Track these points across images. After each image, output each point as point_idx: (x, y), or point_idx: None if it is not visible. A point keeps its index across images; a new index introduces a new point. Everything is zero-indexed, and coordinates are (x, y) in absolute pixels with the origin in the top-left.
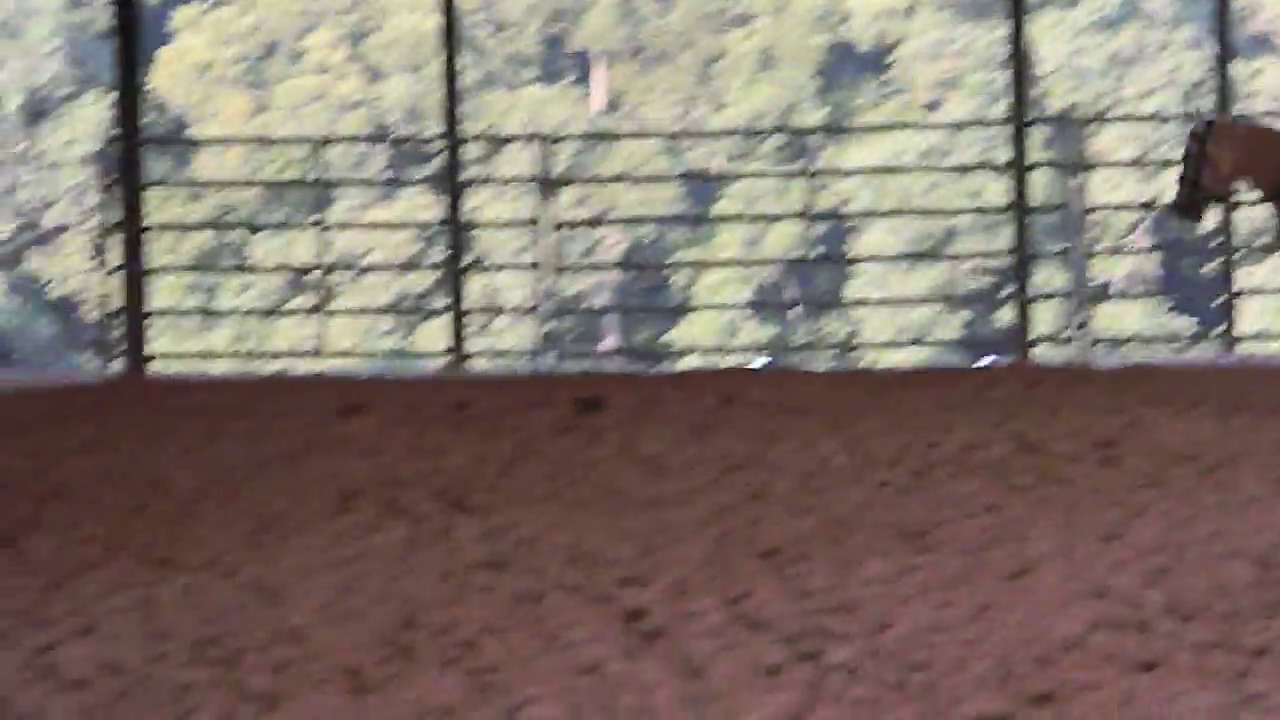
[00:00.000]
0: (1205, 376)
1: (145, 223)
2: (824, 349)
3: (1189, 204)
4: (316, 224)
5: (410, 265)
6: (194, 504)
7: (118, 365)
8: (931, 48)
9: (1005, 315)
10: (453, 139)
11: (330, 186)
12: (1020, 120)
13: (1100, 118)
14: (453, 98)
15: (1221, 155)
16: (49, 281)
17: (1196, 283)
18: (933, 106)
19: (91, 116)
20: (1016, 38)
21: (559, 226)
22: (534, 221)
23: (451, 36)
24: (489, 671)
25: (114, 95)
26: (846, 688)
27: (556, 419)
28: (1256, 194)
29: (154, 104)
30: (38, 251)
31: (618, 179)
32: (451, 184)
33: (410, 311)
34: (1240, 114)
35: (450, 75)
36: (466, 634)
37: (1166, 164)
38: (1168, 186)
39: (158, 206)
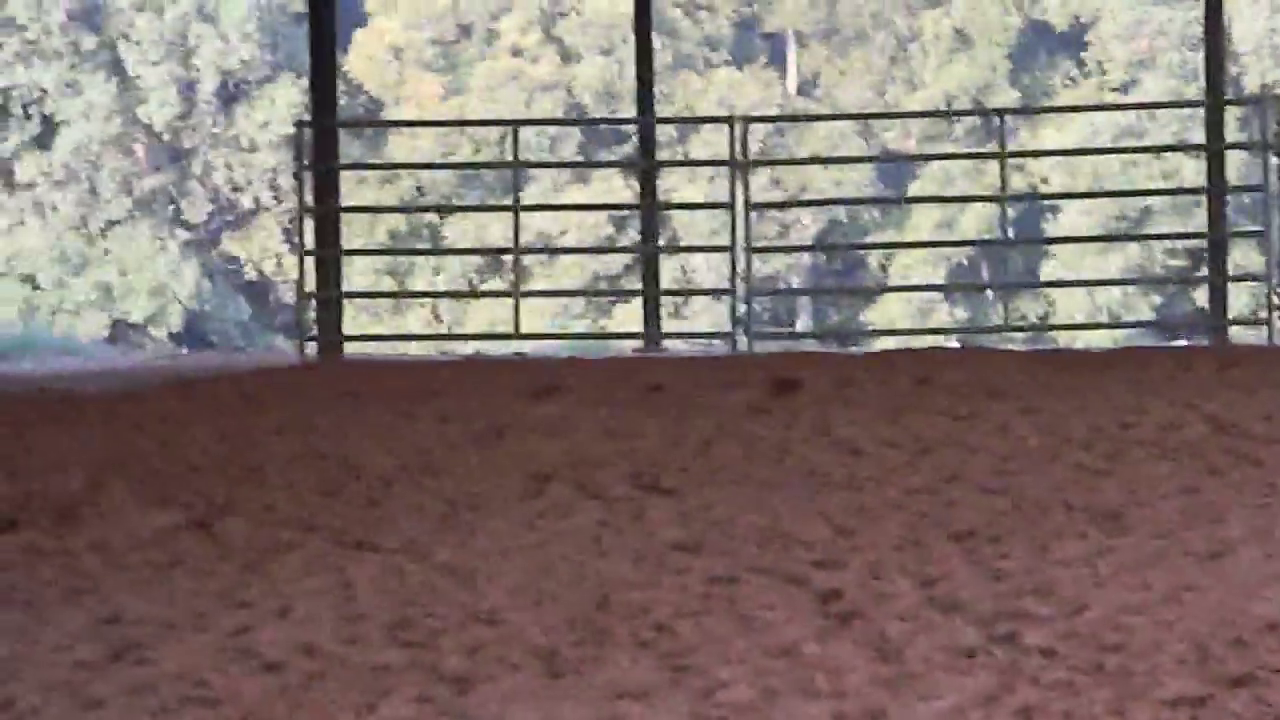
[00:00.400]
0: None
1: (340, 205)
2: (1018, 330)
3: None
4: (510, 206)
5: (604, 247)
6: (388, 486)
7: (312, 347)
8: (1127, 27)
9: (1200, 296)
10: (647, 121)
11: (524, 168)
12: (1216, 100)
13: None
14: (646, 79)
15: None
16: (244, 264)
17: None
18: (1127, 87)
19: (286, 99)
20: (1213, 16)
21: (752, 208)
22: (728, 203)
23: (645, 18)
24: (683, 654)
25: (308, 78)
26: (1042, 670)
27: (751, 400)
28: None
29: (348, 86)
30: (232, 234)
31: (811, 160)
32: (645, 166)
33: (604, 293)
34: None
35: (644, 57)
36: (660, 616)
37: None
38: None
39: (352, 189)
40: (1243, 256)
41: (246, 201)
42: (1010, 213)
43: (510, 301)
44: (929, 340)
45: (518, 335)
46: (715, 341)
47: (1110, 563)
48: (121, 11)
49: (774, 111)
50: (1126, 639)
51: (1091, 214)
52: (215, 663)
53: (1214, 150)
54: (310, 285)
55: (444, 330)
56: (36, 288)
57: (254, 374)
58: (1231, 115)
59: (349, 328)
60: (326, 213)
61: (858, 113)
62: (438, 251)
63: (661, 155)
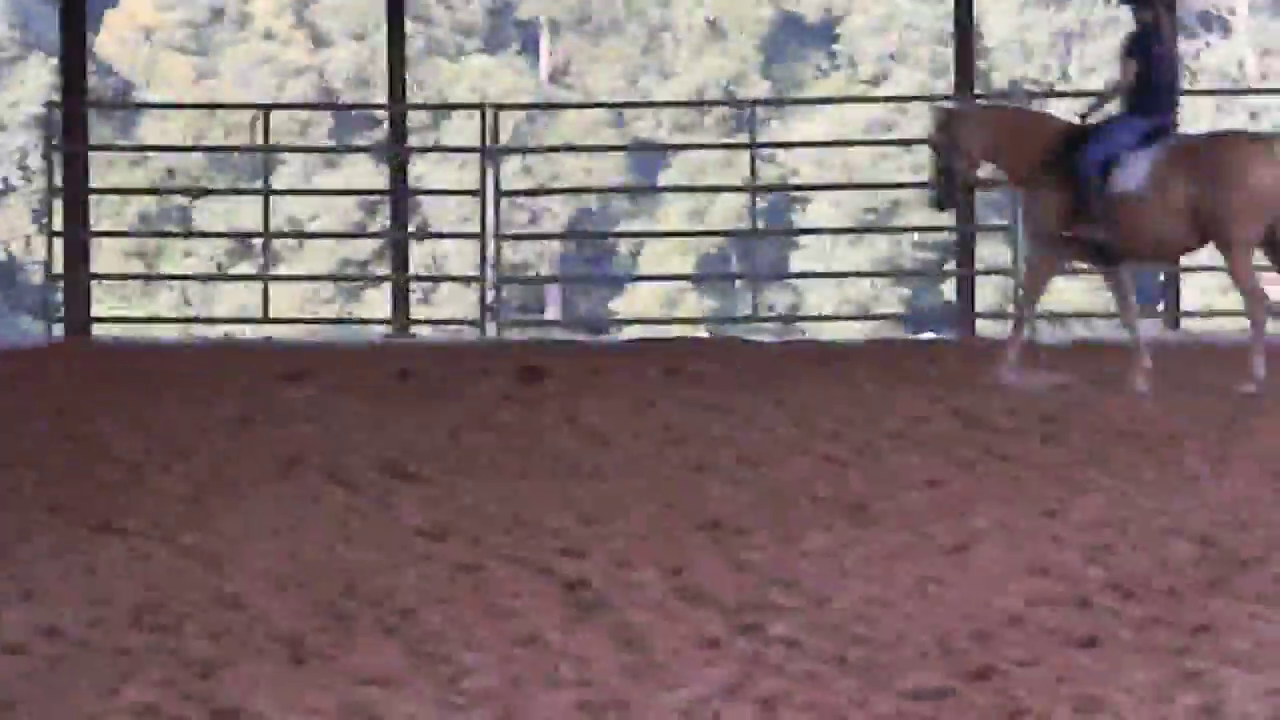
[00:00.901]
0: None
1: (89, 186)
2: (768, 322)
3: (946, 192)
4: (261, 190)
5: (354, 233)
6: (136, 469)
7: (60, 329)
8: (878, 21)
9: (949, 290)
10: (398, 107)
11: (275, 152)
12: (966, 95)
13: (1046, 93)
14: (399, 65)
15: (969, 140)
16: None
17: None
18: (878, 80)
19: (36, 79)
20: (963, 11)
21: (503, 195)
22: (479, 190)
23: (398, 4)
24: (429, 640)
25: (58, 58)
26: (787, 660)
27: (500, 388)
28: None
29: (99, 67)
30: None
31: (563, 148)
32: (396, 152)
33: (354, 279)
34: (979, 97)
35: (396, 43)
36: (406, 603)
37: None
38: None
39: (102, 171)
40: (990, 251)
41: None
42: (760, 204)
43: (260, 285)
44: (678, 330)
45: (267, 320)
46: (464, 328)
47: (856, 555)
48: None
49: (526, 99)
50: (871, 631)
51: (841, 206)
52: None
53: None
54: (58, 267)
55: (193, 314)
56: None
57: (1, 356)
58: None
59: (97, 310)
60: (75, 194)
61: (609, 101)
62: (188, 235)
63: (413, 141)
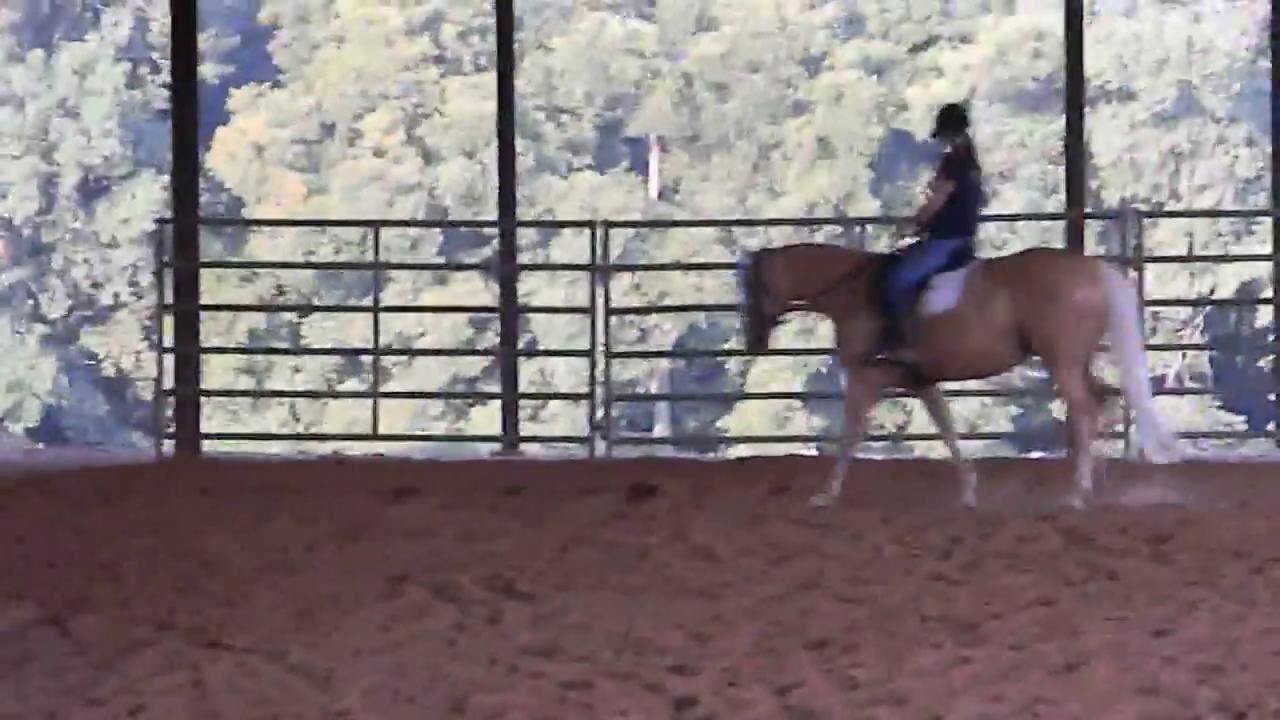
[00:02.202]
0: (1256, 473)
1: (200, 302)
2: (876, 440)
3: (758, 333)
4: (370, 307)
5: (463, 349)
6: (244, 585)
7: (170, 445)
8: (989, 140)
9: (1057, 409)
10: (508, 224)
11: (385, 269)
12: (1076, 213)
13: (1156, 212)
14: (508, 182)
15: (777, 281)
16: (102, 359)
17: (1246, 379)
18: (989, 198)
19: (147, 195)
20: (1074, 130)
21: (612, 312)
22: (588, 307)
23: (508, 121)
24: None
25: (170, 174)
26: None
27: (609, 505)
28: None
29: (210, 184)
30: (91, 329)
31: (672, 266)
32: (506, 268)
33: (463, 395)
34: (789, 242)
35: (506, 160)
36: (515, 719)
37: (1221, 258)
38: (1218, 282)
39: (212, 287)
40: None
41: (106, 297)
42: None
43: (369, 402)
44: (787, 448)
45: (376, 436)
46: (573, 446)
47: (965, 673)
48: None
49: (636, 216)
50: None
51: None
52: None
53: None
54: (168, 382)
55: (302, 430)
56: None
57: (111, 471)
58: (1091, 229)
59: (207, 426)
60: (186, 310)
61: (719, 219)
62: (297, 351)
63: (522, 258)
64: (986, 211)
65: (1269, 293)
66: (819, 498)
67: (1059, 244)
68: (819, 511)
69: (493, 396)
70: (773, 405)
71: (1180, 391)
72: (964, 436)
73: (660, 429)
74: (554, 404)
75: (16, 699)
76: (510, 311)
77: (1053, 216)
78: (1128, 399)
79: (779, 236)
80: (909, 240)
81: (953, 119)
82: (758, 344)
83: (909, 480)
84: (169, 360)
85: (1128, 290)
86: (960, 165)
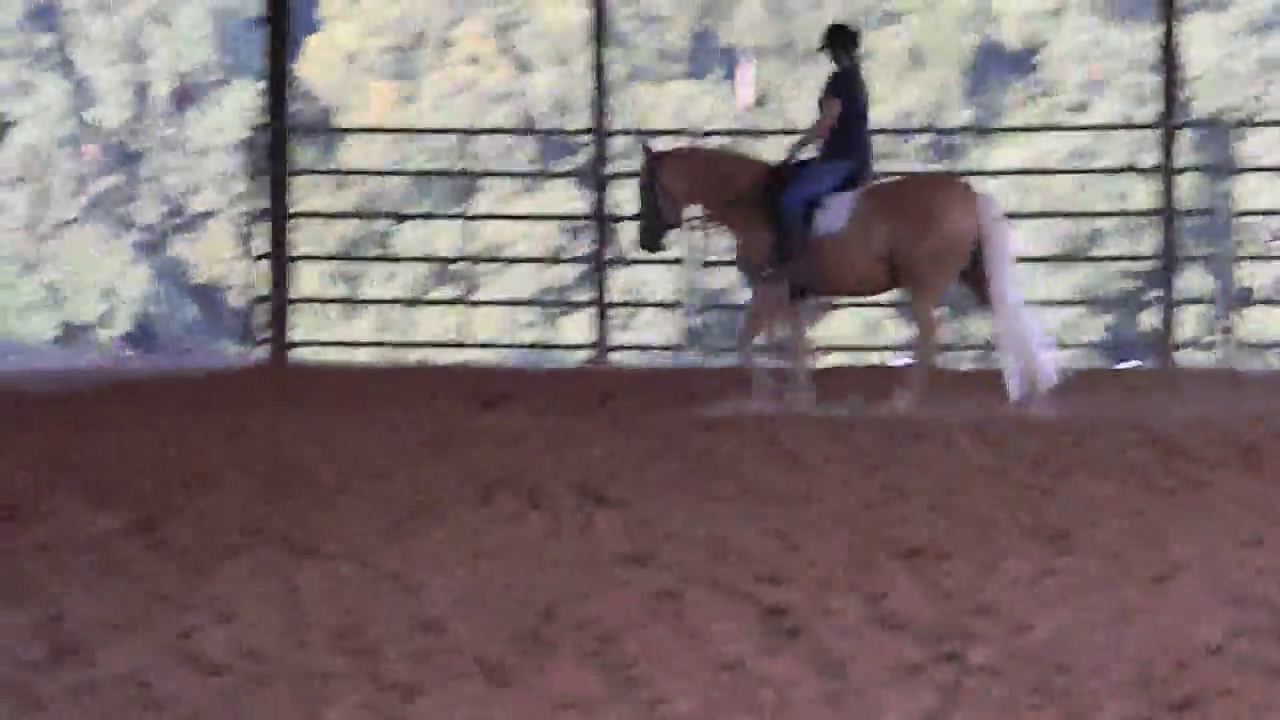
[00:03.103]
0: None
1: (291, 210)
2: (969, 350)
3: (653, 234)
4: (461, 215)
5: (555, 258)
6: (335, 493)
7: (261, 352)
8: (1080, 49)
9: (1150, 319)
10: (600, 132)
11: (476, 177)
12: (1169, 123)
13: (1249, 122)
14: (600, 91)
15: (674, 184)
16: (194, 267)
17: None
18: (1080, 108)
19: (239, 103)
20: (1167, 40)
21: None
22: None
23: (600, 30)
24: (628, 666)
25: (262, 82)
26: (986, 689)
27: (702, 414)
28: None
29: (301, 92)
30: (183, 237)
31: None
32: (598, 177)
33: (554, 304)
34: (693, 139)
35: (598, 69)
36: (606, 628)
37: None
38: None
39: (303, 195)
40: (1193, 280)
41: (197, 205)
42: None
43: (460, 310)
44: (878, 357)
45: (467, 344)
46: (665, 355)
47: (1055, 583)
48: (75, 12)
49: (728, 125)
50: (1070, 660)
51: (1043, 234)
52: (159, 665)
53: (1167, 173)
54: (259, 290)
55: (393, 338)
56: None
57: (202, 378)
58: (1184, 139)
59: (298, 333)
60: (277, 218)
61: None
62: (388, 259)
63: (614, 167)
64: (1083, 120)
65: None
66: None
67: (1152, 155)
68: (906, 418)
69: (584, 305)
70: (863, 314)
71: (1274, 302)
72: (1058, 346)
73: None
74: (646, 312)
75: (109, 604)
76: (602, 220)
77: (1144, 126)
78: (997, 324)
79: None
80: (801, 157)
81: (843, 38)
82: (652, 245)
83: (998, 389)
84: (260, 268)
85: (1000, 220)
86: (848, 86)
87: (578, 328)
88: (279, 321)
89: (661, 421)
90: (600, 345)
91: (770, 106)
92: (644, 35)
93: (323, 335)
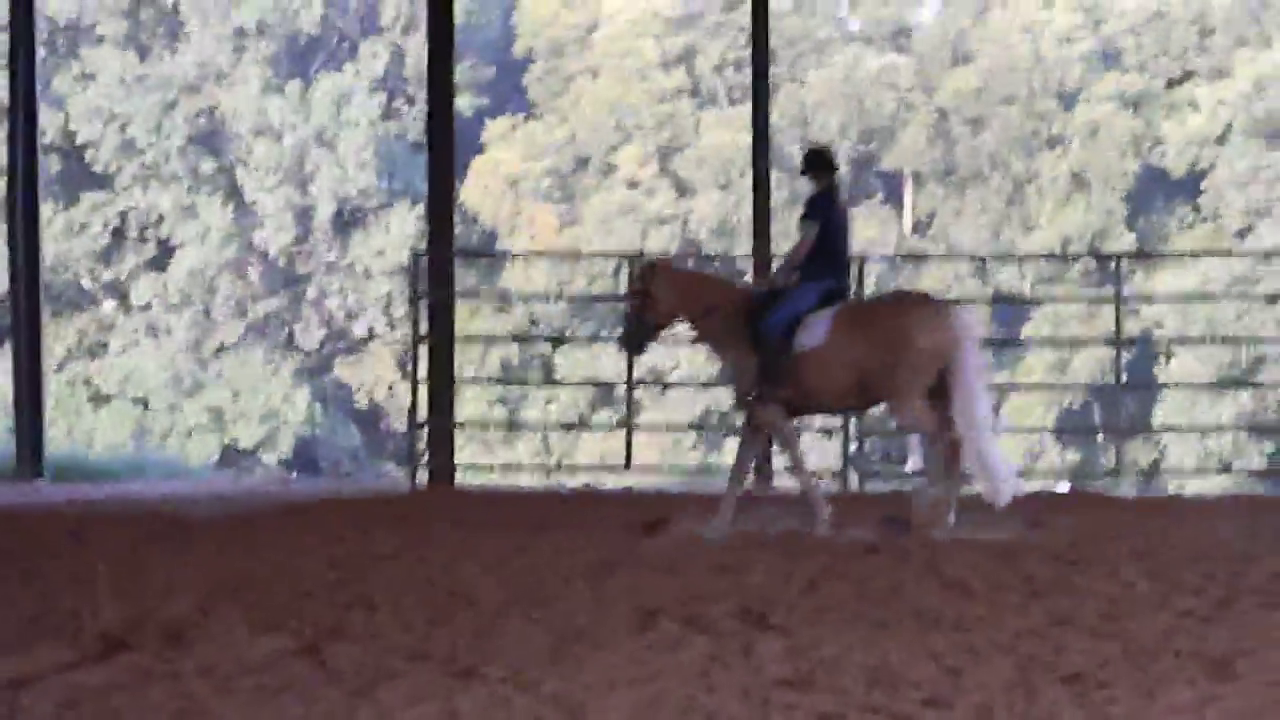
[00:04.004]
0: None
1: (453, 334)
2: (1129, 475)
3: (635, 338)
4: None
5: (716, 381)
6: (497, 616)
7: (423, 475)
8: (1243, 174)
9: None
10: (762, 256)
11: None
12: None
13: None
14: (762, 214)
15: (661, 295)
16: (356, 390)
17: None
18: (1243, 233)
19: (401, 227)
20: None
21: None
22: None
23: (762, 154)
24: None
25: (425, 206)
26: None
27: (862, 539)
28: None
29: (464, 216)
30: (345, 360)
31: None
32: None
33: (716, 428)
34: (677, 256)
35: (761, 191)
36: None
37: None
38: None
39: (466, 318)
40: None
41: (359, 328)
42: (1124, 356)
43: (622, 434)
44: (1040, 483)
45: (629, 468)
46: (825, 479)
47: (1218, 711)
48: (240, 137)
49: (890, 250)
50: None
51: (1205, 360)
52: None
53: None
54: (422, 413)
55: (554, 461)
56: (149, 409)
57: (365, 501)
58: None
59: (460, 457)
60: (440, 341)
61: (973, 253)
62: (550, 383)
63: None
64: (1246, 245)
65: None
66: (716, 522)
67: None
68: (1072, 547)
69: None
70: (1026, 440)
71: None
72: (1220, 472)
73: (913, 462)
74: (806, 437)
75: None
76: None
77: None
78: (965, 440)
79: (1031, 272)
80: (780, 283)
81: (820, 161)
82: (634, 349)
83: (1161, 516)
84: (423, 391)
85: (972, 335)
86: (825, 207)
87: None
88: (442, 445)
89: (823, 545)
90: (762, 469)
91: (931, 232)
92: None
93: (485, 459)
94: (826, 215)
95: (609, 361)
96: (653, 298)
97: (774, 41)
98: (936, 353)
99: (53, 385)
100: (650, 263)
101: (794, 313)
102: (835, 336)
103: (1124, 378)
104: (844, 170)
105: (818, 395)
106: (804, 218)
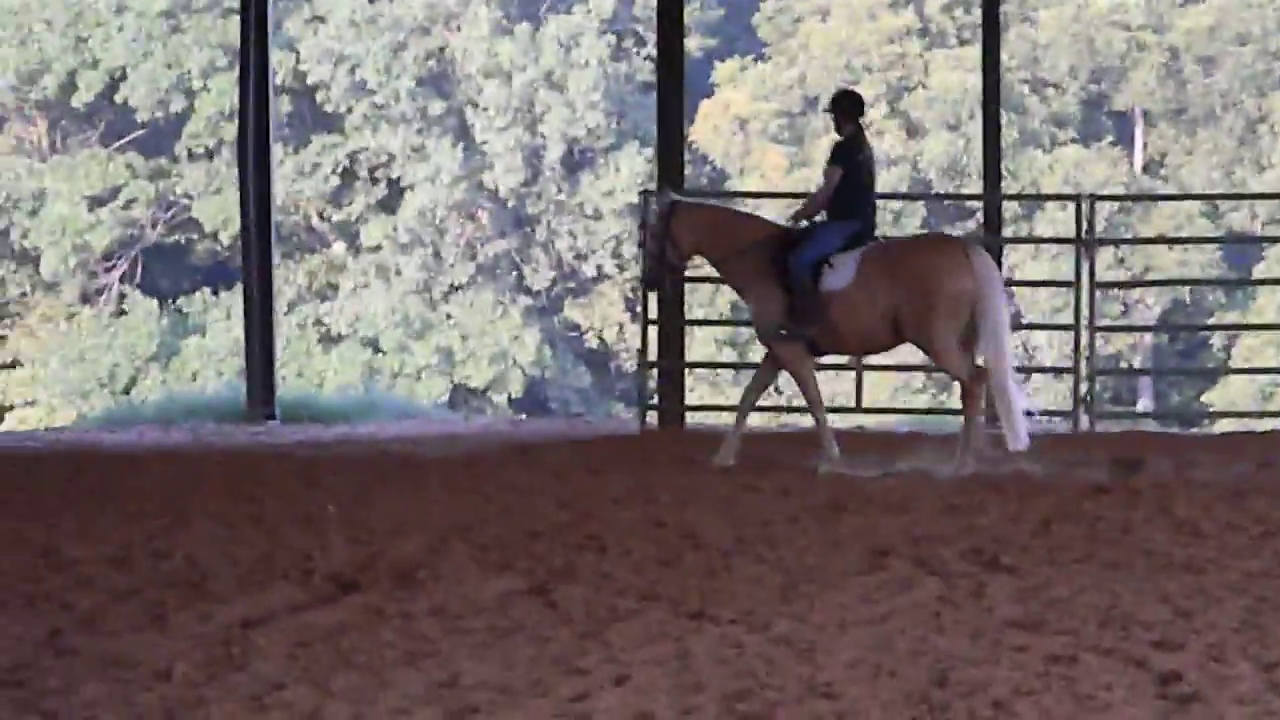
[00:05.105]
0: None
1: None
2: None
3: (655, 277)
4: None
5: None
6: (727, 557)
7: (653, 416)
8: None
9: None
10: (992, 197)
11: (981, 242)
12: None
13: None
14: (993, 155)
15: (681, 233)
16: (585, 330)
17: None
18: None
19: (631, 167)
20: None
21: (1097, 286)
22: (1072, 281)
23: (993, 95)
24: None
25: (654, 147)
26: None
27: (1092, 480)
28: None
29: (693, 156)
30: (574, 301)
31: (1157, 240)
32: (990, 242)
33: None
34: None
35: (991, 133)
36: (999, 694)
37: None
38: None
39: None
40: None
41: (589, 269)
42: None
43: (852, 375)
44: (1272, 423)
45: (860, 409)
46: (1056, 420)
47: None
48: (470, 78)
49: (1120, 190)
50: None
51: None
52: None
53: None
54: (652, 354)
55: (784, 402)
56: (379, 351)
57: (594, 442)
58: None
59: (690, 398)
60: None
61: (1204, 193)
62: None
63: (1007, 232)
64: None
65: None
66: (722, 452)
67: None
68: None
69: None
70: (1258, 381)
71: None
72: None
73: (1144, 403)
74: (1037, 377)
75: (503, 668)
76: None
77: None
78: (993, 381)
79: (1264, 211)
80: (805, 224)
81: (846, 106)
82: (654, 286)
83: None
84: (653, 332)
85: (996, 277)
86: (851, 151)
87: None
88: (672, 386)
89: (1054, 487)
90: (991, 410)
91: (1162, 171)
92: (1035, 100)
93: (715, 399)
94: (852, 160)
95: None
96: (674, 237)
97: None
98: (964, 295)
99: (283, 327)
100: (673, 201)
101: (822, 253)
102: (863, 278)
103: None
104: (1073, 109)
105: (843, 335)
106: (830, 162)
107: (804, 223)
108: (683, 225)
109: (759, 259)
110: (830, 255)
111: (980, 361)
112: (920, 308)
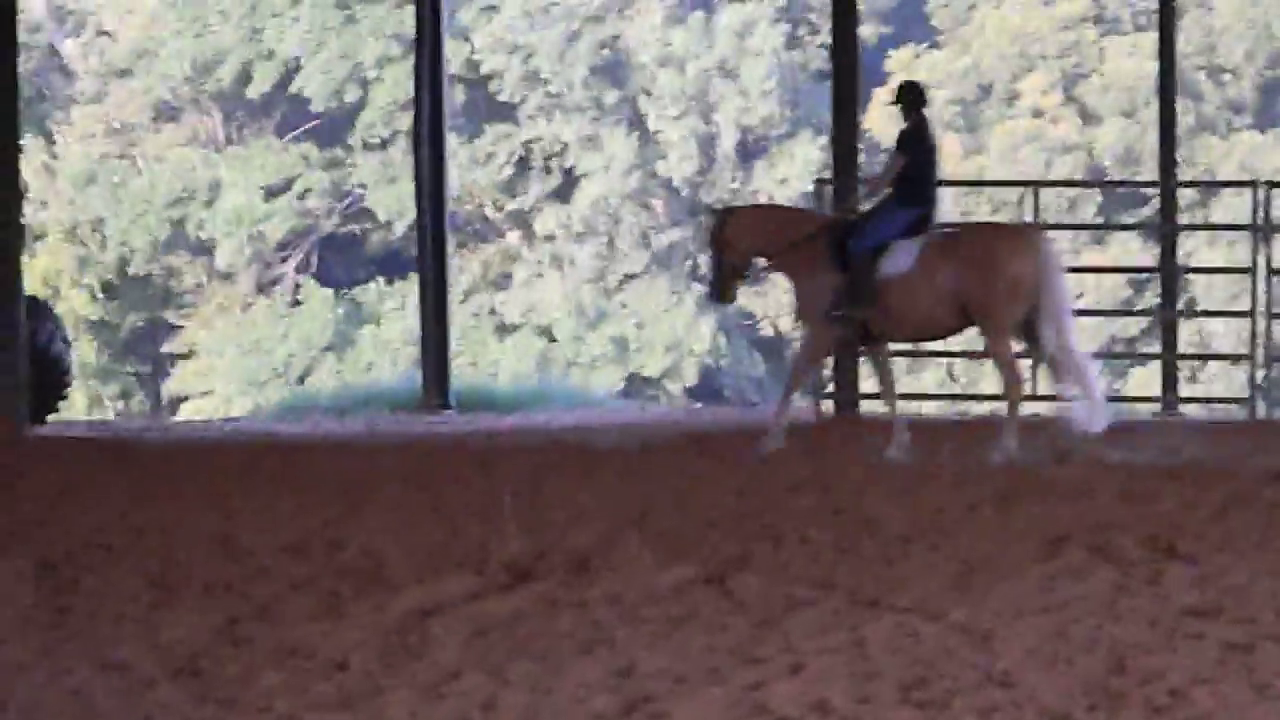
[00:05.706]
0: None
1: None
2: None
3: (722, 286)
4: None
5: (1122, 310)
6: (903, 545)
7: (828, 405)
8: None
9: None
10: (1168, 184)
11: (1043, 229)
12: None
13: None
14: (1169, 142)
15: (738, 238)
16: (760, 320)
17: None
18: None
19: (805, 156)
20: None
21: (1274, 273)
22: (1249, 268)
23: (1168, 81)
24: None
25: (829, 135)
26: None
27: (1269, 467)
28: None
29: (869, 144)
30: (749, 289)
31: None
32: (1165, 228)
33: (1121, 356)
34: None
35: (1167, 120)
36: (1176, 682)
37: None
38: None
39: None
40: None
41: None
42: None
43: (1028, 362)
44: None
45: (1035, 397)
46: (1233, 408)
47: None
48: (643, 67)
49: None
50: None
51: None
52: (728, 718)
53: None
54: None
55: (960, 390)
56: (553, 340)
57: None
58: None
59: (865, 386)
60: None
61: None
62: None
63: (1182, 218)
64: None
65: None
66: (764, 439)
67: None
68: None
69: (1152, 357)
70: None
71: None
72: None
73: None
74: (1213, 365)
75: (678, 657)
76: (1170, 271)
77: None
78: (1061, 365)
79: None
80: (864, 207)
81: (911, 96)
82: (721, 296)
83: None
84: None
85: (1059, 268)
86: (915, 140)
87: (1145, 380)
88: (847, 374)
89: (1230, 474)
90: (1168, 397)
91: None
92: (1211, 86)
93: None
94: (916, 149)
95: None
96: (730, 242)
97: None
98: (1026, 281)
99: (458, 317)
100: (722, 209)
101: (884, 237)
102: (925, 263)
103: None
104: (1249, 95)
105: (901, 320)
106: (896, 150)
107: (853, 215)
108: (737, 230)
109: (815, 249)
110: (890, 240)
111: (1045, 343)
112: (982, 291)
